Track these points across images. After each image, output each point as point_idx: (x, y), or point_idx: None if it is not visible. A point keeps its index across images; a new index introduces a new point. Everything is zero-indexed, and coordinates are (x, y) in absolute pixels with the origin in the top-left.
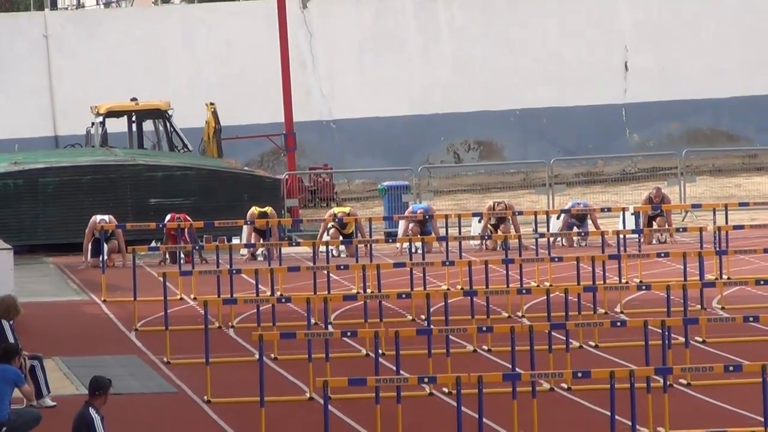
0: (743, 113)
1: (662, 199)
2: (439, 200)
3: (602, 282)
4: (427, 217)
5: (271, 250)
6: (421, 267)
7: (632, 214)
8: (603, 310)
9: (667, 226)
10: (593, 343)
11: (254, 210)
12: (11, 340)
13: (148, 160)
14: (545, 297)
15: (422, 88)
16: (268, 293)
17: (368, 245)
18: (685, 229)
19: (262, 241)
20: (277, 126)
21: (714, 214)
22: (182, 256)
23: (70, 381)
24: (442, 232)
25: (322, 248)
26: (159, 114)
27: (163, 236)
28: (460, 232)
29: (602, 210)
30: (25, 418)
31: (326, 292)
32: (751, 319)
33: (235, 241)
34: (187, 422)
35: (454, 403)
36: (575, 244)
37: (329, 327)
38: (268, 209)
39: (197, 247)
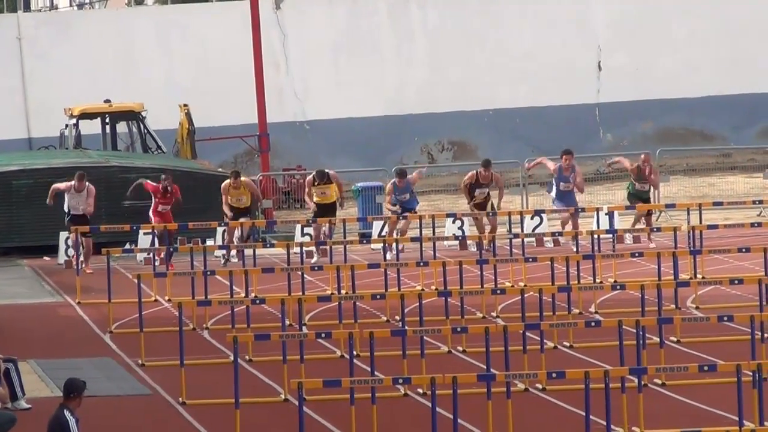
0: (717, 112)
1: (650, 169)
2: None
3: (577, 282)
4: (408, 184)
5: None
6: (396, 268)
7: (606, 214)
8: (577, 311)
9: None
10: (568, 344)
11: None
12: None
13: (121, 162)
14: (520, 297)
15: (396, 89)
16: (243, 295)
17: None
18: (659, 229)
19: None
20: (250, 127)
21: (688, 214)
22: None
23: (44, 383)
24: (416, 233)
25: (296, 249)
26: (132, 116)
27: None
28: (434, 233)
29: (576, 210)
30: (0, 420)
31: (300, 294)
32: (725, 318)
33: (209, 242)
34: (162, 424)
35: (429, 404)
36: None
37: (304, 328)
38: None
39: (172, 249)
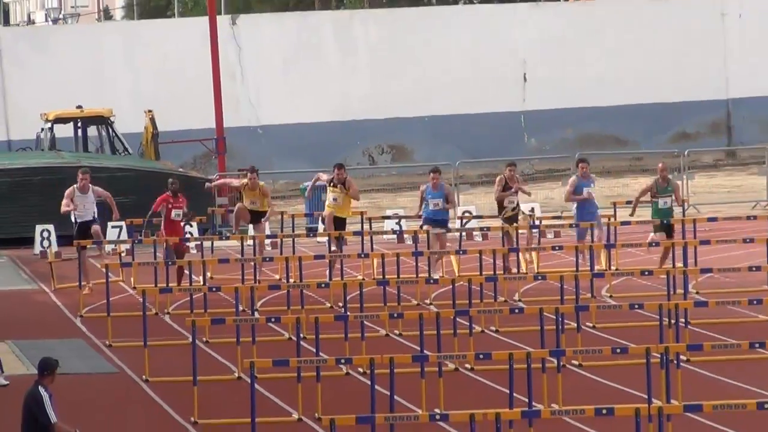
0: (630, 120)
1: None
2: None
3: (502, 272)
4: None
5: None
6: (339, 259)
7: (530, 212)
8: (503, 298)
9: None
10: (494, 328)
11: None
12: None
13: (92, 162)
14: (451, 286)
15: (340, 97)
16: (201, 283)
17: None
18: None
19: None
20: (208, 131)
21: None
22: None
23: (21, 362)
24: (358, 227)
25: (249, 242)
26: (102, 120)
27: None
28: (371, 227)
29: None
30: None
31: (253, 282)
32: (636, 306)
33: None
34: (128, 400)
35: (369, 382)
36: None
37: (255, 313)
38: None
39: (137, 240)
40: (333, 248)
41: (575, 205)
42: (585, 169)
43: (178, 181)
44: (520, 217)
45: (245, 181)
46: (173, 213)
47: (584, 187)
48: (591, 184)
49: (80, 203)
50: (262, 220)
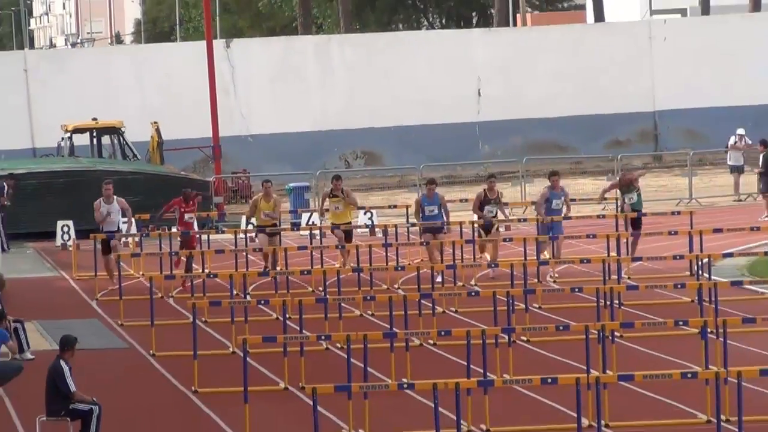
0: (570, 129)
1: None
2: None
3: (461, 261)
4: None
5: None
6: (320, 250)
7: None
8: (461, 283)
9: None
10: (454, 309)
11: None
12: None
13: (106, 167)
14: (416, 273)
15: (320, 110)
16: (200, 270)
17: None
18: (525, 219)
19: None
20: (206, 140)
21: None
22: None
23: (45, 339)
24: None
25: (242, 235)
26: (114, 131)
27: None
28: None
29: (460, 201)
30: (10, 366)
31: (245, 270)
32: (576, 290)
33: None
34: (137, 371)
35: (345, 356)
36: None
37: (248, 297)
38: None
39: (145, 234)
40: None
41: (545, 210)
42: (556, 181)
43: (191, 190)
44: (493, 229)
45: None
46: (186, 216)
47: (554, 199)
48: (561, 196)
49: (105, 212)
50: (278, 234)
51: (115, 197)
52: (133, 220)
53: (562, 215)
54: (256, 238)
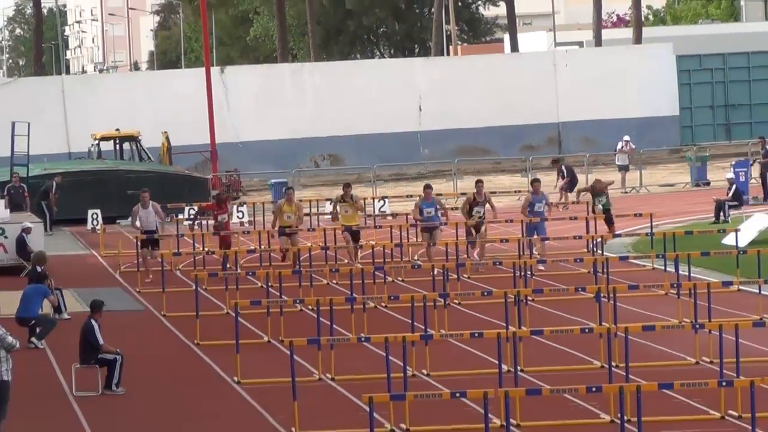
0: (492, 136)
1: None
2: (306, 191)
3: (407, 240)
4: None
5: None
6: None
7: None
8: (407, 258)
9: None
10: (401, 278)
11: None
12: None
13: (126, 167)
14: (371, 250)
15: (295, 122)
16: (200, 248)
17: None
18: (456, 208)
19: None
20: (205, 145)
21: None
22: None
23: (79, 303)
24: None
25: (234, 220)
26: (133, 138)
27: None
28: (317, 209)
29: (407, 196)
30: (47, 320)
31: (237, 248)
32: (498, 263)
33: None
34: (151, 329)
35: (315, 316)
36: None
37: (238, 269)
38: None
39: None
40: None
41: (528, 214)
42: (537, 187)
43: (222, 193)
44: (482, 228)
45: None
46: (219, 217)
47: (536, 203)
48: (543, 201)
49: (144, 217)
50: (296, 233)
51: (150, 202)
52: (162, 221)
53: (544, 217)
54: (279, 238)
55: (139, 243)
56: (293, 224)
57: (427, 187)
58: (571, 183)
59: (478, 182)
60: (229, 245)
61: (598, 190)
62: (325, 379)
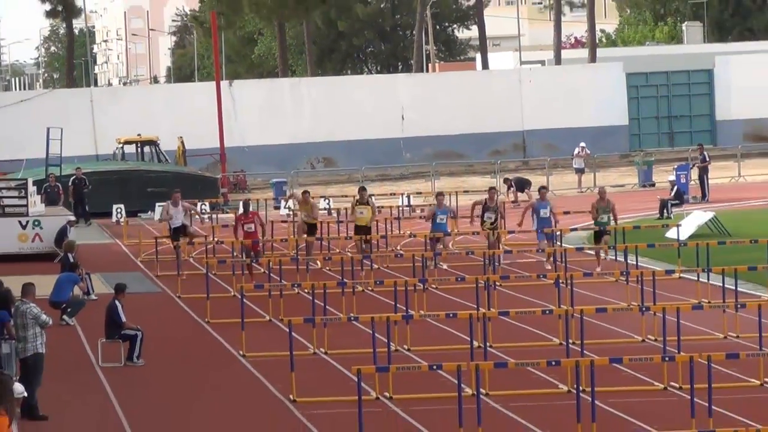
0: (466, 142)
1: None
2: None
3: (391, 232)
4: (446, 207)
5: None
6: (293, 225)
7: (407, 197)
8: (391, 248)
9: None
10: (386, 266)
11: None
12: (72, 261)
13: (146, 168)
14: (360, 240)
15: (294, 129)
16: (211, 238)
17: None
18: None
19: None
20: (215, 149)
21: (451, 197)
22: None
23: (105, 286)
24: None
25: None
26: (152, 143)
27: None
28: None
29: (391, 194)
30: (77, 301)
31: (242, 240)
32: (470, 252)
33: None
34: (167, 309)
35: (311, 298)
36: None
37: (244, 256)
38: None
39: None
40: (364, 246)
41: (535, 218)
42: (544, 194)
43: (248, 204)
44: (498, 231)
45: (300, 197)
46: (245, 227)
47: (541, 209)
48: (547, 206)
49: (174, 214)
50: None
51: (181, 201)
52: (197, 215)
53: (552, 228)
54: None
55: (171, 234)
56: (308, 220)
57: (439, 194)
58: (518, 186)
59: (491, 189)
60: (257, 253)
61: (603, 204)
62: (319, 353)
